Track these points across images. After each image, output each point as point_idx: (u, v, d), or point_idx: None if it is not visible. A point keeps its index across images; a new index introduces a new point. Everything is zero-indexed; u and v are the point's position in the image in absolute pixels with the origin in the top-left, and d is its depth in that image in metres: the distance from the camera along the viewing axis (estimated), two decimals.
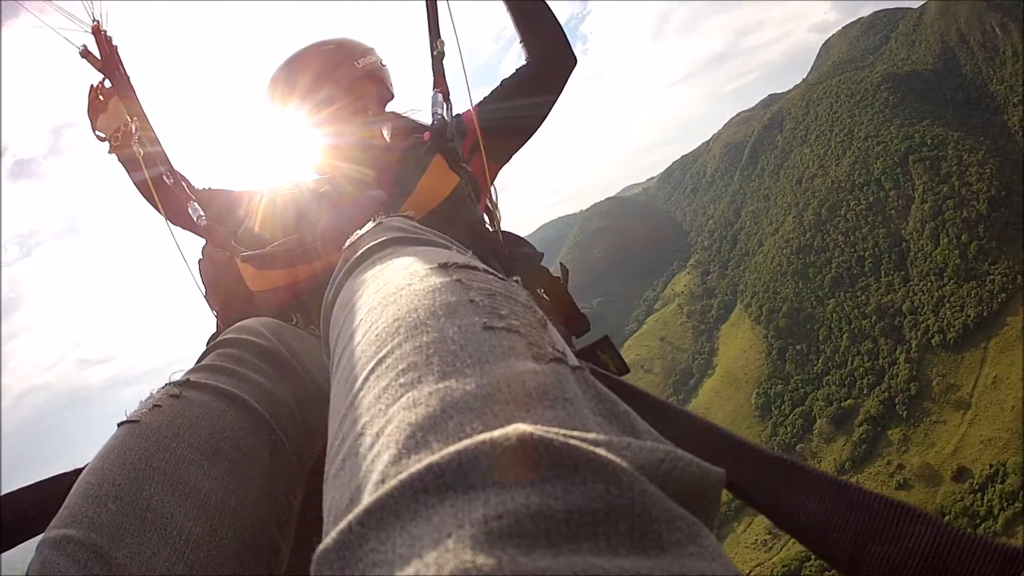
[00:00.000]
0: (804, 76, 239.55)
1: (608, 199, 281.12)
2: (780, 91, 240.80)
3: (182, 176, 2.62)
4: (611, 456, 0.58)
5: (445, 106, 2.43)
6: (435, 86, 2.46)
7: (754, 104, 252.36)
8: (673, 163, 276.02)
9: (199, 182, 2.76)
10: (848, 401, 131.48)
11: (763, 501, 0.86)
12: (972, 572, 0.60)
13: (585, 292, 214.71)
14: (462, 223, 2.12)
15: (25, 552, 1.21)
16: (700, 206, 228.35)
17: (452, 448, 0.58)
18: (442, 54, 2.47)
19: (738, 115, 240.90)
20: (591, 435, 0.61)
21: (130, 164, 2.63)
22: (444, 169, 2.21)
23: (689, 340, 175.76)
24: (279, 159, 2.70)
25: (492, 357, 0.78)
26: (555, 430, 0.60)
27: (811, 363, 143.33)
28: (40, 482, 1.44)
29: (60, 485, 1.30)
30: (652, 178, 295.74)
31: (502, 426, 0.61)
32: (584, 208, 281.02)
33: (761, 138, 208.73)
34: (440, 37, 2.47)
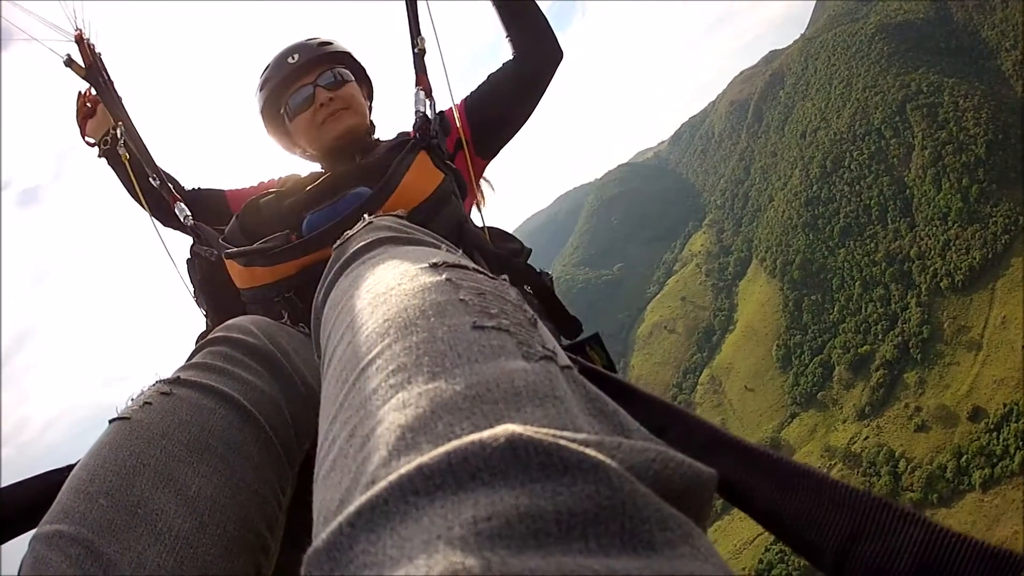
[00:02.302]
0: (803, 31, 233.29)
1: (621, 166, 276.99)
2: (780, 47, 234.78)
3: (169, 176, 2.59)
4: (601, 456, 0.55)
5: (428, 103, 2.35)
6: (417, 83, 2.38)
7: (756, 61, 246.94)
8: (682, 125, 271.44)
9: (188, 182, 2.74)
10: (864, 347, 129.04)
11: (745, 496, 0.79)
12: (963, 574, 0.57)
13: (605, 259, 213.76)
14: (447, 220, 2.04)
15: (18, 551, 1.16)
16: (711, 166, 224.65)
17: (441, 449, 0.56)
18: (423, 51, 2.40)
19: (741, 73, 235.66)
20: (581, 435, 0.59)
21: (118, 168, 2.61)
22: (428, 166, 2.13)
23: (709, 298, 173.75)
24: (274, 155, 2.64)
25: (481, 356, 0.75)
26: (544, 430, 0.58)
27: (827, 312, 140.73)
28: (33, 478, 1.41)
29: (54, 481, 1.26)
30: (663, 142, 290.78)
31: (491, 426, 0.59)
32: (598, 176, 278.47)
33: (764, 95, 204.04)
34: (420, 34, 2.40)
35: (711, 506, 0.67)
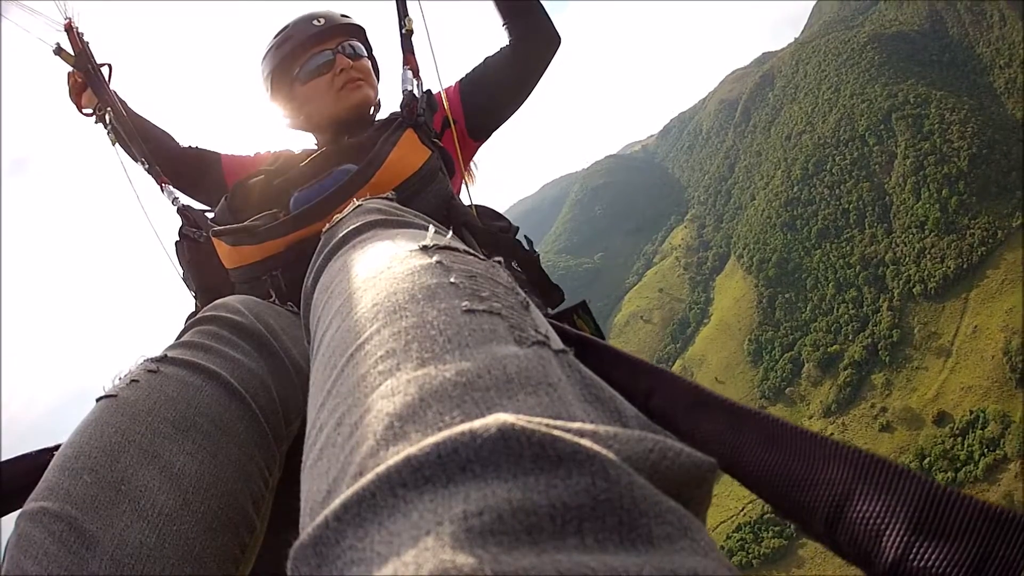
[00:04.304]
0: (797, 35, 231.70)
1: (608, 157, 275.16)
2: (774, 49, 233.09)
3: (161, 145, 2.58)
4: (597, 447, 0.52)
5: (415, 82, 2.32)
6: (405, 63, 2.34)
7: (748, 62, 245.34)
8: (671, 120, 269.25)
9: (184, 139, 2.69)
10: (834, 347, 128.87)
11: (733, 457, 0.72)
12: (961, 534, 0.51)
13: (587, 248, 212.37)
14: (434, 196, 2.01)
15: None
16: (697, 162, 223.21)
17: (431, 439, 0.53)
18: (410, 31, 2.36)
19: (732, 72, 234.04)
20: (575, 425, 0.56)
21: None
22: (415, 143, 2.08)
23: (686, 291, 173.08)
24: (275, 130, 2.56)
25: (473, 341, 0.71)
26: (538, 420, 0.54)
27: (799, 311, 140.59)
28: (25, 455, 1.38)
29: (43, 459, 1.23)
30: (652, 135, 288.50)
31: (483, 414, 0.57)
32: (585, 166, 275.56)
33: (754, 95, 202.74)
34: (408, 15, 2.37)
35: (710, 497, 0.63)
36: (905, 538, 0.54)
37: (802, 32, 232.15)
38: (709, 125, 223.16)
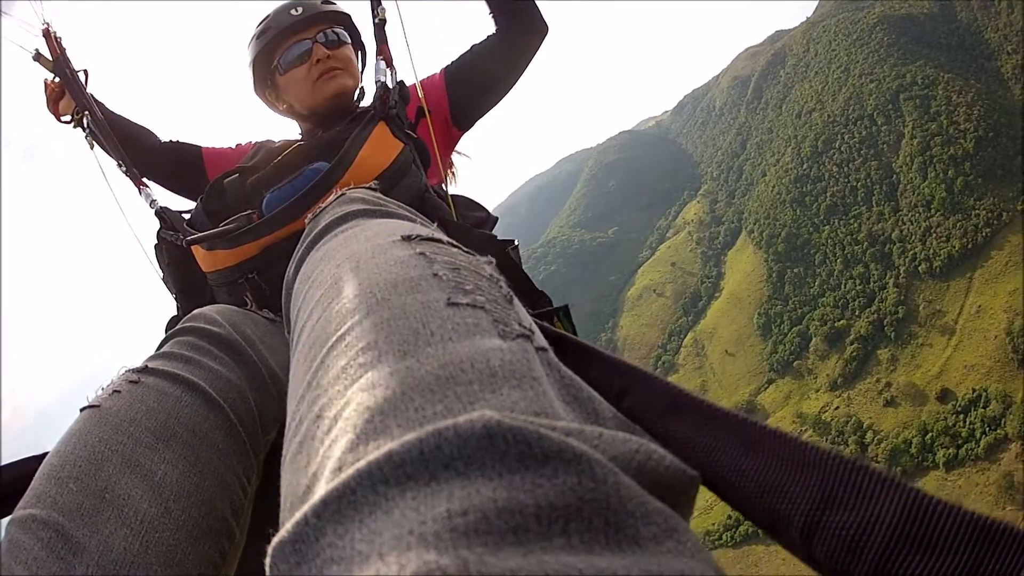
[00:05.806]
0: (809, 15, 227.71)
1: (623, 133, 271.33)
2: (787, 27, 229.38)
3: (141, 143, 2.54)
4: (584, 446, 0.50)
5: (388, 73, 2.22)
6: (378, 53, 2.25)
7: (761, 40, 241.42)
8: (685, 96, 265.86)
9: (164, 134, 2.64)
10: (841, 321, 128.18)
11: (708, 462, 0.66)
12: (948, 546, 0.47)
13: (601, 222, 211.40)
14: (407, 190, 1.94)
15: None
16: (710, 138, 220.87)
17: (413, 435, 0.50)
18: (384, 20, 2.27)
19: (745, 50, 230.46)
20: (561, 423, 0.54)
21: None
22: (387, 137, 2.00)
23: (698, 265, 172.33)
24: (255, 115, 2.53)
25: (455, 335, 0.68)
26: (523, 417, 0.52)
27: (808, 285, 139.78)
28: (13, 463, 1.37)
29: (32, 467, 1.22)
30: (666, 112, 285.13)
31: (466, 409, 0.55)
32: (600, 142, 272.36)
33: (766, 73, 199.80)
34: (381, 3, 2.28)
35: (693, 506, 0.62)
36: (886, 550, 0.49)
37: (814, 12, 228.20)
38: (722, 102, 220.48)
